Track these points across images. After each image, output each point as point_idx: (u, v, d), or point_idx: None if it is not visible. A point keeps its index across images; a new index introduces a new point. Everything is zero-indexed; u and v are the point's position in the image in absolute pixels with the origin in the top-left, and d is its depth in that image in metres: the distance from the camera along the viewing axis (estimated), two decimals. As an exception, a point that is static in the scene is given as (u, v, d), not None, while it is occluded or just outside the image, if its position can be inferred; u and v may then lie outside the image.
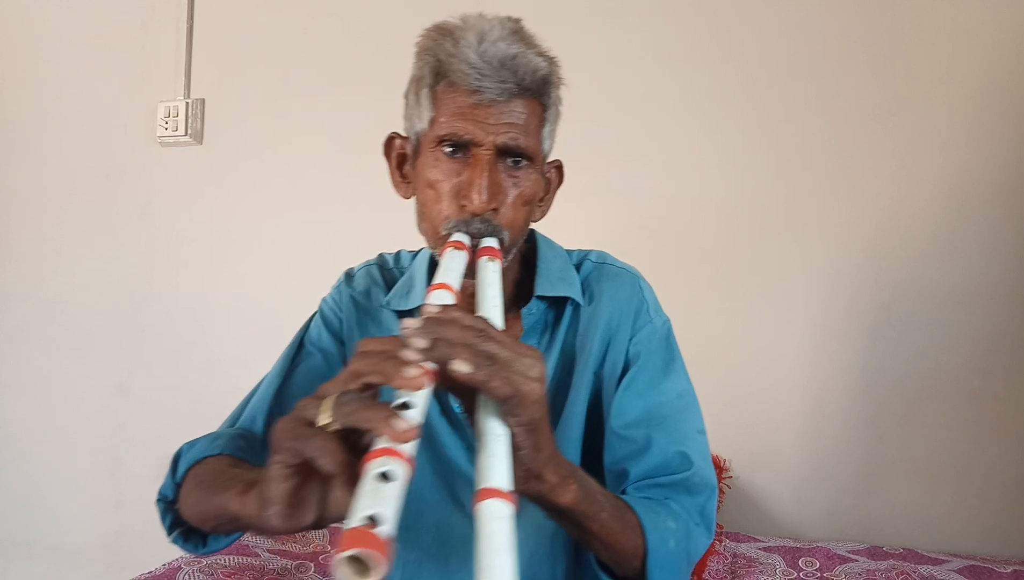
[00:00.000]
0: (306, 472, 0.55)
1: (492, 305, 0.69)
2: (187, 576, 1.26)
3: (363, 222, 2.16)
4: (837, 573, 1.48)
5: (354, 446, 0.53)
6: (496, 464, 0.53)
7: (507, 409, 0.57)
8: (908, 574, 1.47)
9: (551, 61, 0.81)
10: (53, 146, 2.47)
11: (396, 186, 0.93)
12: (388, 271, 1.00)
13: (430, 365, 0.55)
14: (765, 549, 1.63)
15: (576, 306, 0.91)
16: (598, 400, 0.89)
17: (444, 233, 0.80)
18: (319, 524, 0.57)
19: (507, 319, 0.84)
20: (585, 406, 0.88)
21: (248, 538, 1.49)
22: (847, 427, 1.81)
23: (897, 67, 1.80)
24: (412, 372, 0.53)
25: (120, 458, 2.38)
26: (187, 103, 2.29)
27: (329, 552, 1.51)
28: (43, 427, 2.46)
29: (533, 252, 0.94)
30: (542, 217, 0.92)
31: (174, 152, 2.34)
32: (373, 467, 0.48)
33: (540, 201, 0.89)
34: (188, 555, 1.37)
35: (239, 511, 0.62)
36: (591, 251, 0.97)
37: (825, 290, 1.83)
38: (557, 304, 0.91)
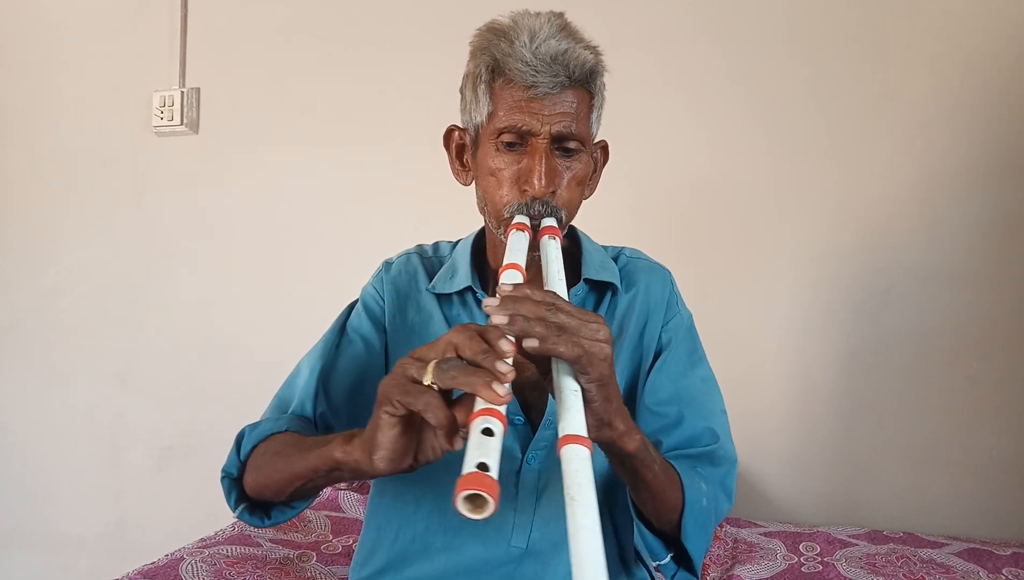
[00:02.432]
0: (406, 423, 0.65)
1: (557, 279, 0.79)
2: (190, 566, 1.26)
3: (360, 210, 2.15)
4: (838, 557, 1.49)
5: (446, 401, 0.63)
6: (574, 415, 0.63)
7: (578, 368, 0.66)
8: (908, 557, 1.48)
9: (596, 52, 0.89)
10: (50, 135, 2.46)
11: (456, 174, 1.00)
12: (427, 259, 1.07)
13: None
14: (766, 534, 1.64)
15: (614, 294, 0.99)
16: (634, 379, 0.97)
17: (507, 216, 0.89)
18: (413, 467, 0.68)
19: None
20: (624, 385, 0.96)
21: (251, 529, 1.50)
22: (846, 412, 1.81)
23: (891, 51, 1.79)
24: (501, 391, 0.59)
25: (119, 447, 2.38)
26: (182, 92, 2.27)
27: (331, 541, 1.52)
28: (42, 417, 2.46)
29: (575, 244, 1.03)
30: (591, 194, 1.00)
31: (170, 141, 2.32)
32: (478, 425, 0.58)
33: (588, 180, 0.97)
34: (190, 545, 1.38)
35: (343, 458, 0.71)
36: (625, 247, 1.07)
37: (821, 274, 1.83)
38: (597, 290, 1.00)
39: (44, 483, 2.46)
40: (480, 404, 0.60)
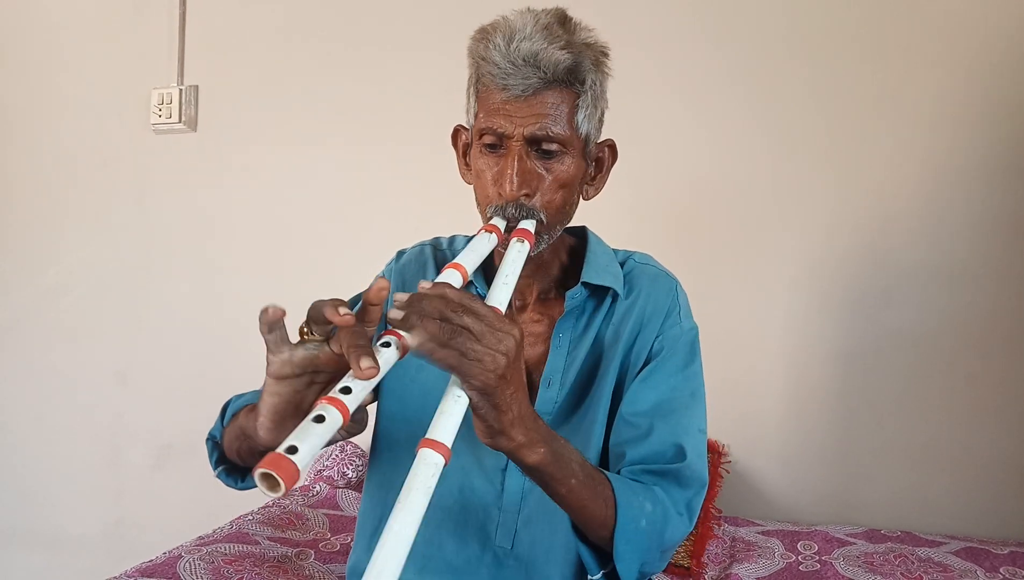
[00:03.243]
0: (289, 397, 0.66)
1: (503, 282, 0.77)
2: (188, 564, 1.26)
3: (360, 210, 2.16)
4: (835, 556, 1.49)
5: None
6: (444, 420, 0.62)
7: (459, 375, 0.65)
8: (906, 556, 1.48)
9: (578, 52, 0.86)
10: (49, 133, 2.46)
11: (462, 173, 1.00)
12: (440, 252, 1.07)
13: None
14: (764, 533, 1.64)
15: (614, 299, 0.98)
16: (619, 386, 0.96)
17: (488, 217, 0.89)
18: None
19: (549, 301, 0.99)
20: (611, 391, 0.95)
21: (249, 526, 1.50)
22: (845, 412, 1.81)
23: (891, 51, 1.79)
24: (365, 362, 0.60)
25: (119, 447, 2.38)
26: (180, 90, 2.27)
27: (329, 539, 1.52)
28: (42, 417, 2.46)
29: (583, 246, 1.02)
30: (596, 194, 0.99)
31: (168, 139, 2.32)
32: (315, 409, 0.57)
33: (592, 180, 0.97)
34: (188, 543, 1.38)
35: (244, 424, 0.72)
36: (636, 252, 1.05)
37: (820, 274, 1.83)
38: (598, 294, 0.99)
39: (44, 483, 2.46)
40: (333, 392, 0.59)
